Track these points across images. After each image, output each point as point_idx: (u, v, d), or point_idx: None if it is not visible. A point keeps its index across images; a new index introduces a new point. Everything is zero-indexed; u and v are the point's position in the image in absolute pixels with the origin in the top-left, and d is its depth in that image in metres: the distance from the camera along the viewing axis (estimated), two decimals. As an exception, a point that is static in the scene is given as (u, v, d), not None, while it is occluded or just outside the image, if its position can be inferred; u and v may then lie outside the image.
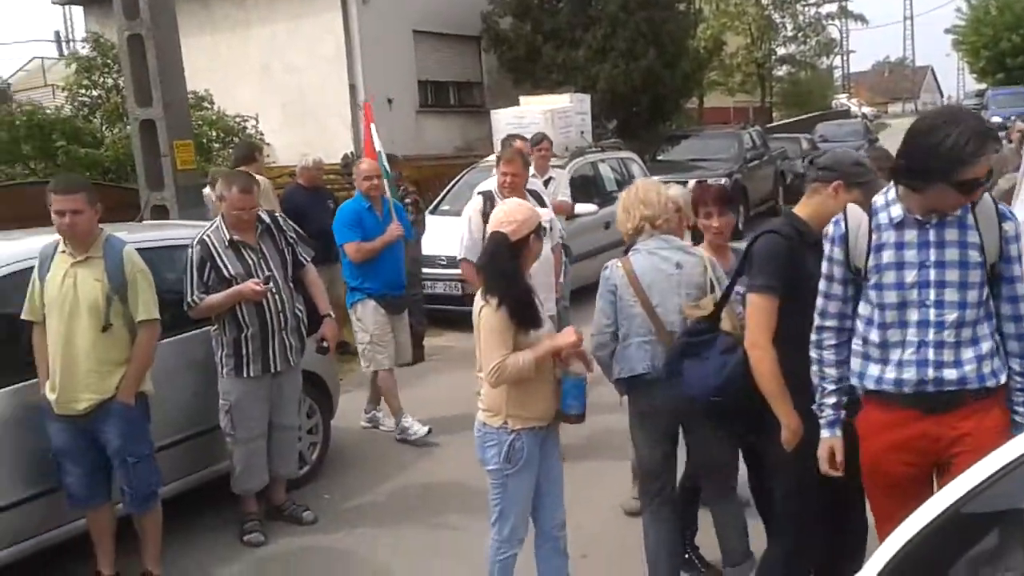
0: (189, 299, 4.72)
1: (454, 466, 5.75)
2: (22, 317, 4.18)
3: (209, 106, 12.68)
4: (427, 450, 6.15)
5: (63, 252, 4.15)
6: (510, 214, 3.53)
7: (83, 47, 14.29)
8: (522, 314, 3.41)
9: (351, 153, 12.72)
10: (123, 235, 4.42)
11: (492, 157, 9.09)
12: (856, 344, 2.94)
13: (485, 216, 5.49)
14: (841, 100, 55.00)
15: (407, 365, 8.06)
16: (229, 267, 4.75)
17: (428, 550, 4.75)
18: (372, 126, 6.84)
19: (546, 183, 7.13)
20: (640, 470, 4.11)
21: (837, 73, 56.78)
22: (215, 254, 4.75)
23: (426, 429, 6.30)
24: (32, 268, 4.21)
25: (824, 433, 3.03)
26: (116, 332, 4.12)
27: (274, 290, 4.80)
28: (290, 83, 15.54)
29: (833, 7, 37.07)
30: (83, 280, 4.08)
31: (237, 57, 15.79)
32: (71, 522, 4.35)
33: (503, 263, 3.47)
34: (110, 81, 12.39)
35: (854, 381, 2.96)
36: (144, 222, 7.03)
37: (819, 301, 3.01)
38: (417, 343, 8.44)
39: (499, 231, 3.49)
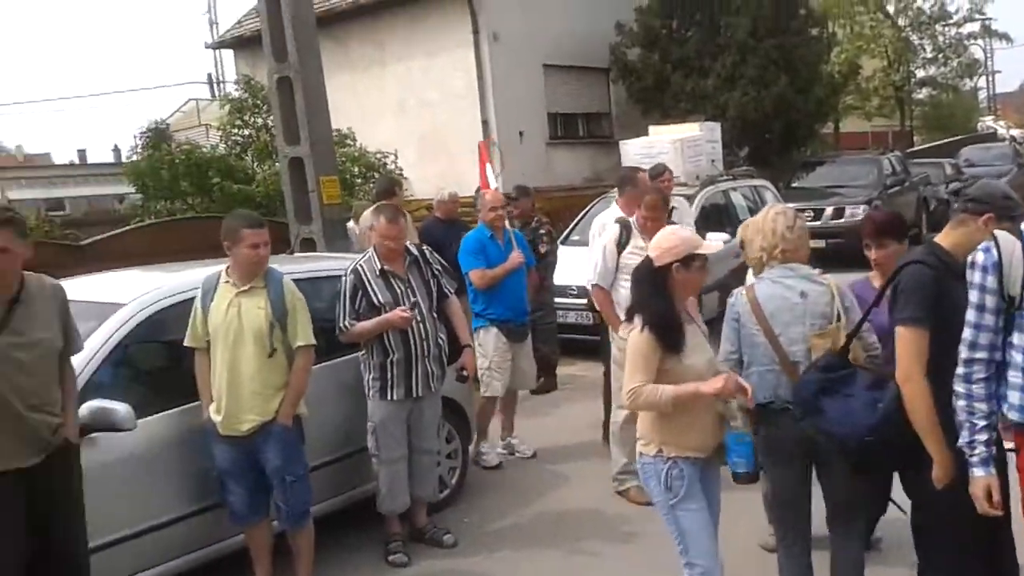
0: (341, 324, 4.97)
1: (587, 494, 5.82)
2: (185, 344, 4.48)
3: (351, 143, 13.20)
4: (561, 477, 6.23)
5: (226, 283, 4.44)
6: (659, 240, 3.60)
7: (234, 89, 15.13)
8: (666, 338, 3.44)
9: (484, 186, 12.99)
10: (277, 267, 4.68)
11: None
12: (1015, 377, 2.86)
13: (620, 246, 5.58)
14: (987, 122, 52.43)
15: (541, 393, 8.23)
16: (379, 295, 4.98)
17: (567, 575, 4.82)
18: (488, 165, 7.21)
19: (668, 214, 7.15)
20: (772, 500, 4.07)
21: (982, 94, 54.14)
22: (366, 283, 5.00)
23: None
24: (193, 298, 4.51)
25: (978, 472, 2.93)
26: (277, 357, 4.39)
27: (419, 318, 5.01)
28: (425, 119, 16.02)
29: (975, 27, 35.51)
30: (247, 309, 4.37)
31: (375, 95, 16.39)
32: (230, 537, 4.61)
33: (644, 287, 3.56)
34: (260, 121, 13.06)
35: (1013, 416, 2.87)
36: (294, 254, 7.39)
37: (967, 332, 2.93)
38: (549, 372, 8.55)
39: (647, 255, 3.60)
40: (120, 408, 4.03)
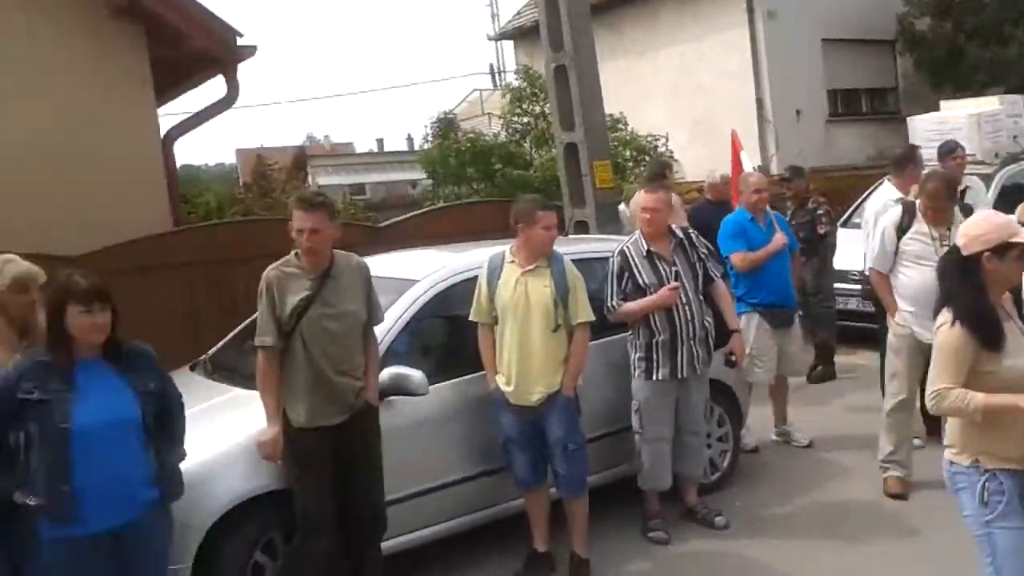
0: (609, 304, 5.08)
1: (866, 486, 5.57)
2: (470, 319, 4.76)
3: (623, 127, 13.32)
4: (839, 468, 6.02)
5: (511, 262, 4.67)
6: (968, 226, 3.31)
7: (514, 78, 15.69)
8: (981, 332, 3.12)
9: (757, 167, 12.69)
10: (556, 247, 4.82)
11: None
12: None
13: (901, 230, 5.29)
14: None
15: (818, 381, 7.97)
16: (644, 276, 5.05)
17: (843, 569, 4.67)
18: (741, 153, 7.18)
19: (961, 194, 6.65)
20: None
21: None
22: (632, 264, 5.09)
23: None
24: (476, 276, 4.78)
25: None
26: (560, 333, 4.58)
27: (684, 300, 5.02)
28: (697, 101, 15.82)
29: None
30: (534, 287, 4.58)
31: (647, 79, 16.39)
32: (509, 501, 4.87)
33: (951, 277, 3.28)
34: (538, 108, 13.49)
35: None
36: (569, 236, 7.62)
37: None
38: (827, 359, 8.25)
39: (954, 243, 3.33)
40: (415, 374, 4.39)
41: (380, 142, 48.25)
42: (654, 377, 5.06)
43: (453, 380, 4.80)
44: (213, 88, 8.68)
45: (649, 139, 13.58)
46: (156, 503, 3.43)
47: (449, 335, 5.22)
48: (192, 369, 5.31)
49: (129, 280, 5.80)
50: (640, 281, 5.06)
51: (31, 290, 3.87)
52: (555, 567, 4.78)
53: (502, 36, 21.78)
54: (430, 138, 15.34)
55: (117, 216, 7.17)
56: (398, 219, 9.41)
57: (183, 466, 3.61)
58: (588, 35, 8.44)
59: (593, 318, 4.69)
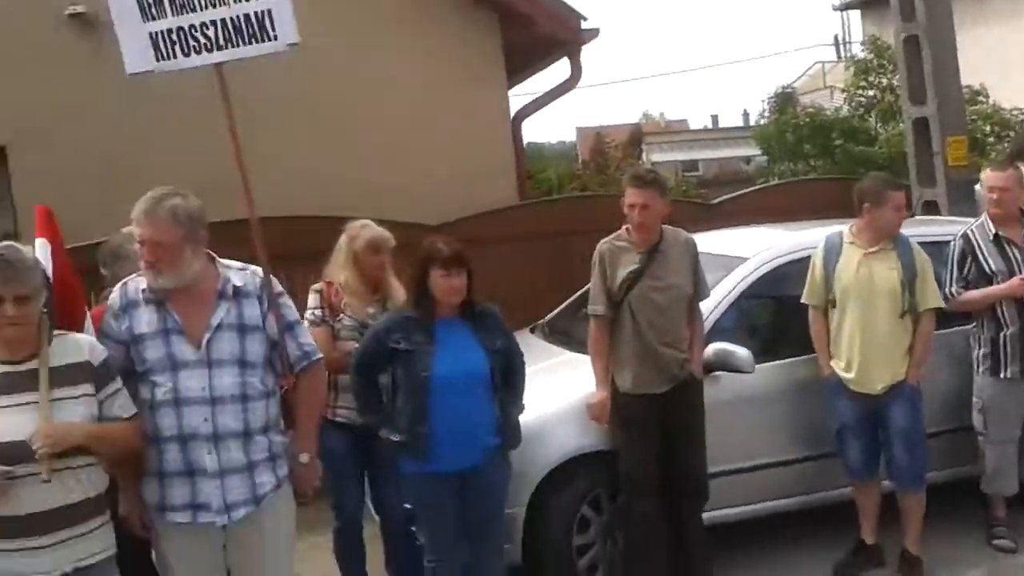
0: (947, 291, 4.76)
1: None
2: (802, 300, 4.69)
3: (984, 100, 12.24)
4: None
5: (851, 243, 4.55)
6: None
7: (860, 50, 14.89)
8: None
9: None
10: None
11: None
12: None
13: None
14: None
15: None
16: (990, 263, 4.71)
17: None
18: None
19: None
20: None
21: None
22: (977, 249, 4.76)
23: None
24: (809, 256, 4.69)
25: None
26: (905, 319, 4.43)
27: None
28: (1076, 70, 14.11)
29: None
30: (879, 271, 4.44)
31: (1012, 48, 14.85)
32: (834, 489, 4.76)
33: None
34: (885, 81, 12.75)
35: None
36: (914, 218, 7.19)
37: None
38: None
39: None
40: (741, 351, 4.43)
41: (715, 118, 47.70)
42: (1001, 375, 4.71)
43: (780, 361, 4.76)
44: (557, 69, 9.12)
45: (1015, 112, 12.31)
46: (497, 450, 3.79)
47: (777, 315, 5.19)
48: (532, 332, 5.71)
49: (479, 248, 6.30)
50: (985, 268, 4.72)
51: (382, 251, 4.36)
52: (884, 561, 4.63)
53: (848, 6, 20.72)
54: (767, 113, 14.99)
55: (472, 190, 7.81)
56: (731, 195, 9.36)
57: (521, 419, 3.93)
58: (944, 2, 7.88)
59: (943, 304, 4.49)
